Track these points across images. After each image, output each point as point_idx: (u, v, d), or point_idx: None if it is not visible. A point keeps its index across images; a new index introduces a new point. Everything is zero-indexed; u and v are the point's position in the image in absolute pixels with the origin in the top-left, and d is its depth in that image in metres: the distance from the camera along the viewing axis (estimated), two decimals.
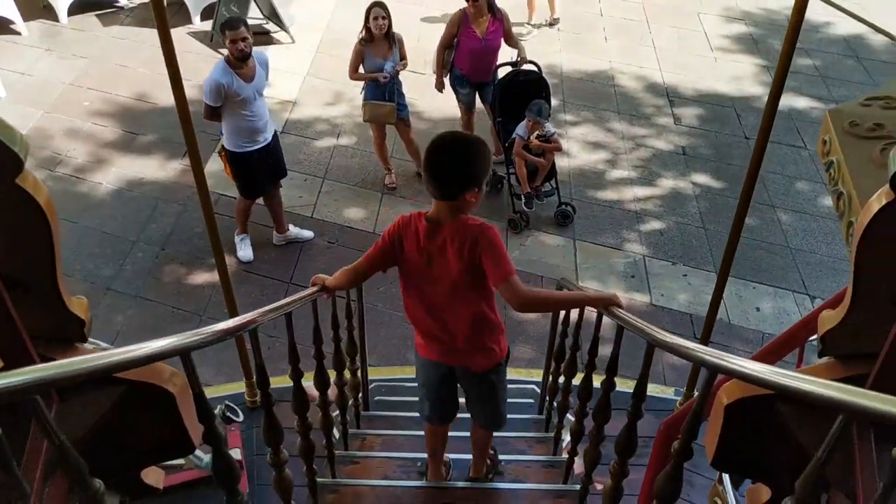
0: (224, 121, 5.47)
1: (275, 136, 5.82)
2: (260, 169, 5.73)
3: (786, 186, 7.35)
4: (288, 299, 2.39)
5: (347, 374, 3.54)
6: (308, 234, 6.40)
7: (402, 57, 6.45)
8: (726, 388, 1.67)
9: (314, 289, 2.84)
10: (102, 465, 1.77)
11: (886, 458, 1.37)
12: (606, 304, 2.57)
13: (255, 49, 5.50)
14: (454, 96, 7.03)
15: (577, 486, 3.03)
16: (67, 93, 7.95)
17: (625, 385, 4.04)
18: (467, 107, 7.02)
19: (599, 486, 2.93)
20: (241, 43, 5.17)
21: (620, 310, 2.48)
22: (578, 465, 3.19)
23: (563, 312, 3.62)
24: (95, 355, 1.54)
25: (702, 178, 7.42)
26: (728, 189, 7.18)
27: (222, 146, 5.65)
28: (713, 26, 10.10)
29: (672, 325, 5.85)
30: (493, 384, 3.00)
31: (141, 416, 1.81)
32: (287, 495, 2.43)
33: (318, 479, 2.97)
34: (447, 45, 6.68)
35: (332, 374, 3.36)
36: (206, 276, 5.93)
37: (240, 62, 5.26)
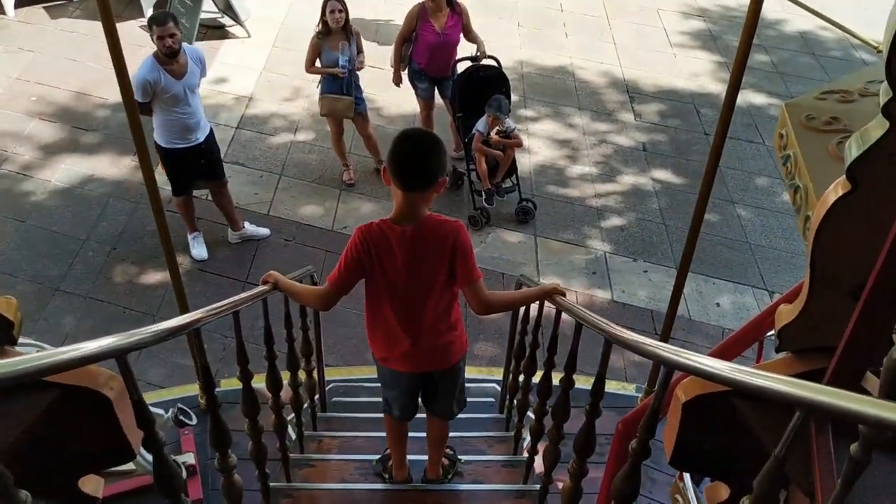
0: (154, 116, 5.33)
1: (210, 136, 5.65)
2: (190, 168, 5.57)
3: (745, 182, 7.41)
4: (235, 297, 2.30)
5: (303, 374, 3.46)
6: (264, 231, 6.28)
7: (360, 51, 6.36)
8: (684, 385, 1.63)
9: (264, 287, 2.76)
10: (35, 474, 1.68)
11: (845, 454, 1.33)
12: (550, 294, 2.80)
13: (191, 46, 5.38)
14: (413, 91, 6.96)
15: (538, 486, 2.99)
16: (13, 87, 7.70)
17: (586, 382, 4.01)
18: (426, 101, 6.95)
19: (561, 485, 2.90)
20: (168, 39, 4.99)
21: (563, 298, 2.74)
22: (539, 464, 3.15)
23: (522, 310, 3.59)
24: (21, 358, 1.44)
25: (662, 174, 7.44)
26: (688, 185, 7.21)
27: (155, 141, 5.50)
28: (672, 23, 10.16)
29: (633, 321, 5.85)
30: (458, 373, 3.04)
31: (76, 422, 1.71)
32: (236, 501, 2.34)
33: (272, 484, 2.88)
34: (405, 39, 6.61)
35: (287, 376, 3.28)
36: (159, 276, 5.78)
37: (168, 58, 5.09)
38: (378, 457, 3.46)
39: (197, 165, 5.61)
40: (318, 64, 6.33)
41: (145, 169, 3.43)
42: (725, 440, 1.68)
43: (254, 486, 2.80)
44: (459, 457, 3.46)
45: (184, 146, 5.43)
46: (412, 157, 2.50)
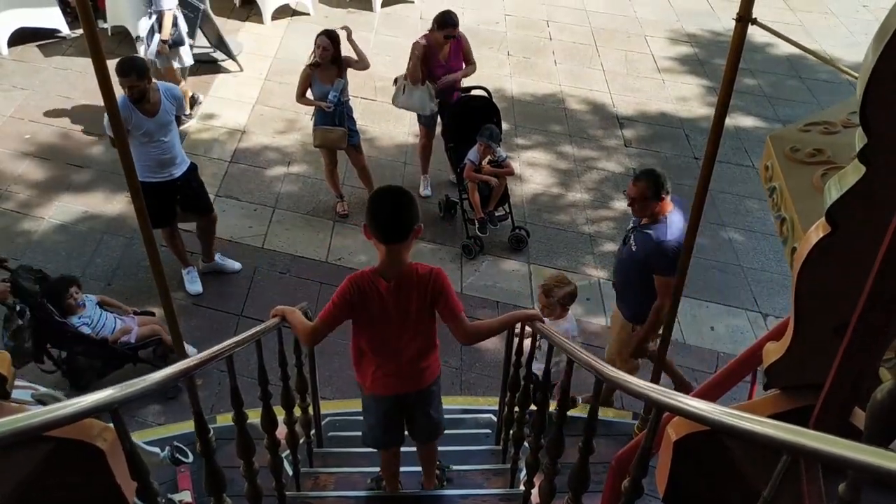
0: (132, 150, 5.35)
1: (189, 171, 5.67)
2: (166, 202, 5.55)
3: (735, 205, 7.45)
4: (227, 343, 2.30)
5: (298, 410, 3.45)
6: (235, 265, 6.29)
7: (359, 57, 6.40)
8: (675, 424, 1.64)
9: (273, 321, 3.03)
10: None
11: (835, 493, 1.35)
12: (530, 319, 3.19)
13: (166, 84, 5.55)
14: (403, 123, 7.02)
15: None
16: (7, 125, 7.74)
17: (583, 410, 4.00)
18: (427, 129, 6.99)
19: None
20: (132, 89, 5.10)
21: (542, 324, 3.13)
22: (536, 497, 3.15)
23: (515, 342, 3.62)
24: (18, 416, 1.45)
25: None
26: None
27: None
28: (660, 48, 10.26)
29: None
30: (434, 394, 3.28)
31: (71, 473, 1.72)
32: None
33: None
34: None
35: (283, 413, 3.28)
36: (154, 311, 5.77)
37: (136, 102, 5.19)
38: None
39: (173, 200, 5.63)
40: (309, 95, 6.39)
41: (137, 203, 3.46)
42: (717, 478, 1.69)
43: None
44: (457, 491, 3.47)
45: (158, 180, 5.43)
46: (388, 213, 2.75)
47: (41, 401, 3.44)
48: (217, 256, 6.23)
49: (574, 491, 2.16)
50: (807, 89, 9.52)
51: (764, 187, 2.73)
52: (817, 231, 1.46)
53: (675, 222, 4.30)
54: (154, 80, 5.43)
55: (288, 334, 3.43)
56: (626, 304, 4.77)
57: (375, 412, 3.25)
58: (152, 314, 5.51)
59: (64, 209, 6.79)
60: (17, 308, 4.74)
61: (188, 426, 4.55)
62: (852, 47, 10.01)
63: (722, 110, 3.38)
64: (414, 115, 7.07)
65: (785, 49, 10.15)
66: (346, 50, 6.34)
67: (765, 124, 8.67)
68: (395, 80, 6.77)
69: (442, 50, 6.54)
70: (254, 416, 2.80)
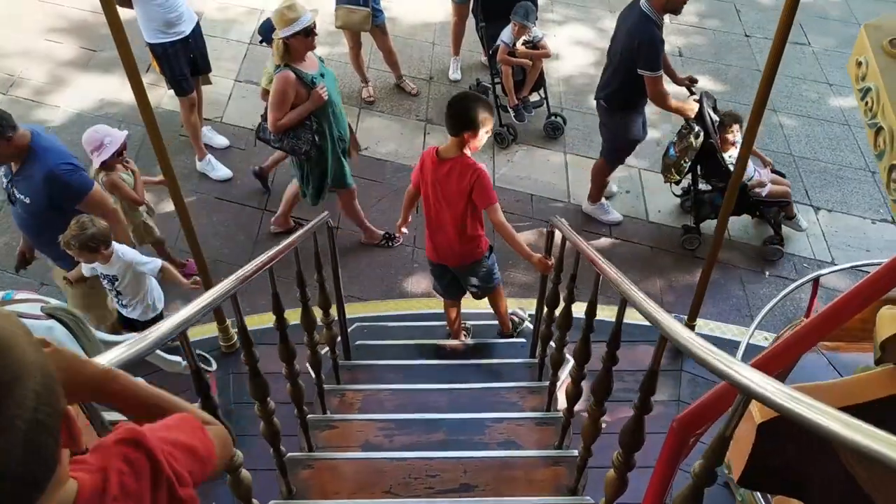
0: (136, 11, 5.06)
1: (196, 28, 5.35)
2: (183, 62, 5.31)
3: (788, 88, 6.91)
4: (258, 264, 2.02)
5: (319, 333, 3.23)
6: (222, 140, 6.11)
7: None
8: (759, 406, 1.36)
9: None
10: None
11: None
12: (536, 264, 3.69)
13: None
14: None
15: (575, 452, 2.78)
16: (19, 6, 7.33)
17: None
18: (459, 7, 6.48)
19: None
20: None
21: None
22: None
23: (556, 251, 3.38)
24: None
25: (700, 82, 6.93)
26: (729, 93, 6.73)
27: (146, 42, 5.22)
28: None
29: (670, 244, 5.57)
30: (475, 269, 4.00)
31: None
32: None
33: (290, 454, 2.69)
34: None
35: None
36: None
37: None
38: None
39: (187, 59, 5.34)
40: None
41: (141, 102, 3.26)
42: (805, 460, 1.42)
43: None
44: (492, 414, 3.29)
45: (171, 40, 5.16)
46: (448, 108, 3.50)
47: (52, 315, 3.23)
48: (205, 128, 6.02)
49: (625, 449, 1.91)
50: None
51: (854, 87, 2.34)
52: None
53: (50, 149, 3.63)
54: None
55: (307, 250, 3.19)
56: (56, 248, 3.76)
57: (431, 270, 4.22)
58: (783, 175, 5.54)
59: (80, 96, 6.51)
60: (695, 129, 5.03)
61: (209, 330, 4.42)
62: None
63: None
64: None
65: None
66: None
67: None
68: None
69: None
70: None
